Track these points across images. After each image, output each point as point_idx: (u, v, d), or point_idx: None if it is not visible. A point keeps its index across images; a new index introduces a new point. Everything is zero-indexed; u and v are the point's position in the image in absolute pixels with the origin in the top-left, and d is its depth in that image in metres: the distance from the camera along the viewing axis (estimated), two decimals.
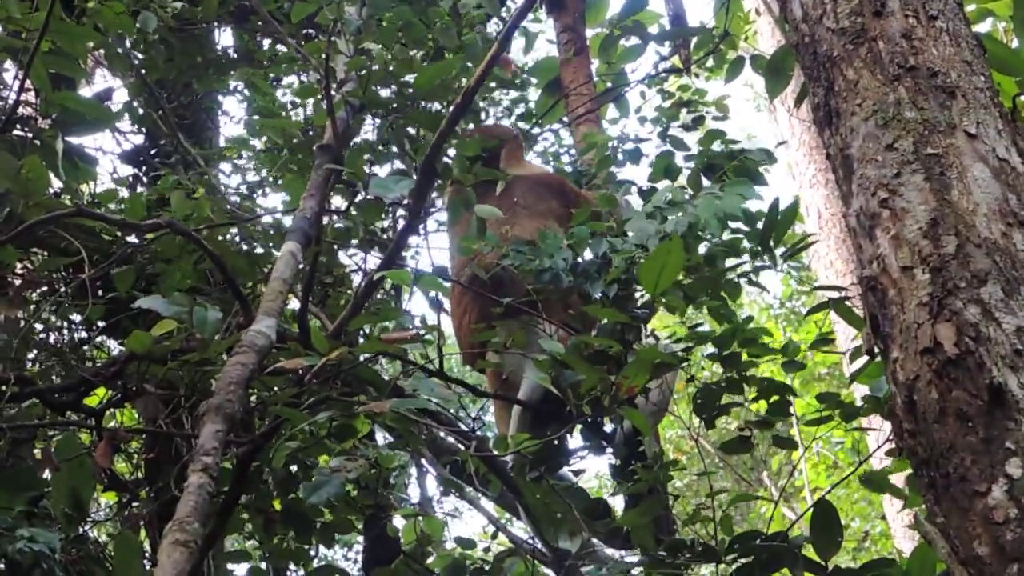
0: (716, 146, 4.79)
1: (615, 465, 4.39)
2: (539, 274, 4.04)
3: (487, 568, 4.13)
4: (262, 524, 4.24)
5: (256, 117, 5.93)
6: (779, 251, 3.99)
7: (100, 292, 4.42)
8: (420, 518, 4.71)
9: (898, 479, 4.74)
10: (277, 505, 4.22)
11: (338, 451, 3.74)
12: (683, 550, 3.73)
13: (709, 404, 4.00)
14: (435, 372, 3.96)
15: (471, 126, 5.49)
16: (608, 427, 4.42)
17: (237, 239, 5.09)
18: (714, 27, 6.05)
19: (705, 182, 4.52)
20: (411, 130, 4.75)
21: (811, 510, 3.73)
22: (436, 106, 4.91)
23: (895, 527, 9.99)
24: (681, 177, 4.81)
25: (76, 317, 4.97)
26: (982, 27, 5.50)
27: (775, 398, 3.99)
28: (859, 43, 2.73)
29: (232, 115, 7.25)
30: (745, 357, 3.93)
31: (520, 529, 5.66)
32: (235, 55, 6.66)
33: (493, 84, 5.88)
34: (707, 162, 4.71)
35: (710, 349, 4.00)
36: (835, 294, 3.92)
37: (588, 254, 4.21)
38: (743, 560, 3.69)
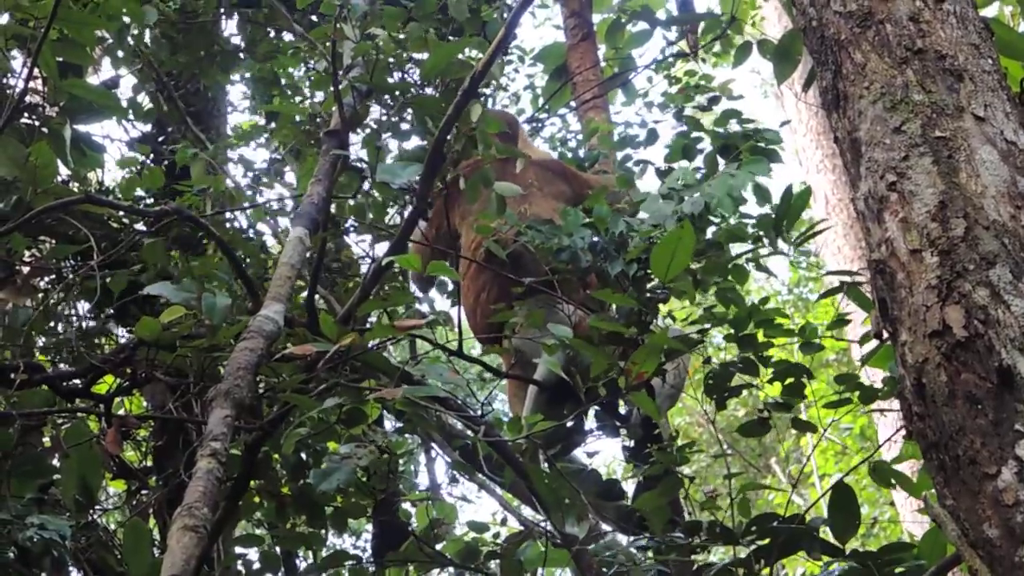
0: (732, 126, 4.77)
1: (629, 447, 4.38)
2: (557, 252, 4.03)
3: (500, 552, 4.12)
4: (274, 509, 4.25)
5: (262, 107, 5.93)
6: (790, 237, 3.98)
7: (108, 279, 4.41)
8: (431, 503, 4.71)
9: (909, 466, 4.72)
10: (286, 491, 4.23)
11: (347, 437, 3.75)
12: (700, 532, 3.73)
13: (721, 385, 3.99)
14: (455, 352, 3.96)
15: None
16: (623, 409, 4.41)
17: (244, 225, 5.10)
18: (721, 12, 6.04)
19: (721, 162, 4.50)
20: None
21: (828, 493, 3.72)
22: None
23: (904, 513, 9.98)
24: (698, 159, 4.79)
25: (84, 304, 4.97)
26: (989, 11, 5.49)
27: (790, 380, 3.98)
28: (866, 26, 2.72)
29: (237, 106, 7.25)
30: (761, 338, 3.92)
31: (530, 516, 5.66)
32: (242, 44, 6.65)
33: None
34: (723, 142, 4.69)
35: (726, 331, 3.98)
36: (845, 279, 3.91)
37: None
38: (760, 542, 3.68)
